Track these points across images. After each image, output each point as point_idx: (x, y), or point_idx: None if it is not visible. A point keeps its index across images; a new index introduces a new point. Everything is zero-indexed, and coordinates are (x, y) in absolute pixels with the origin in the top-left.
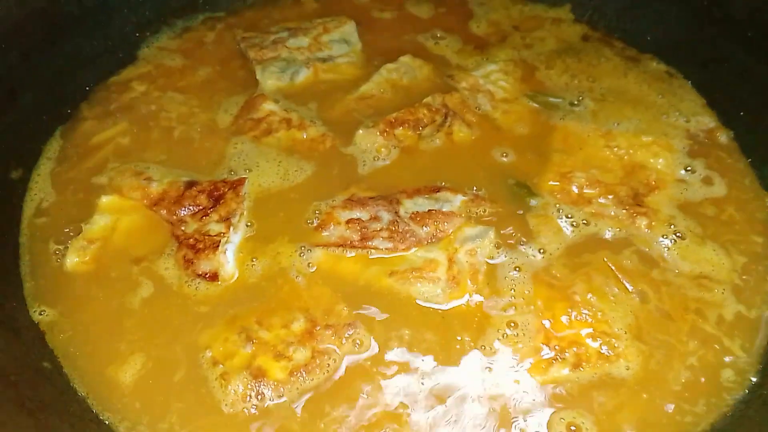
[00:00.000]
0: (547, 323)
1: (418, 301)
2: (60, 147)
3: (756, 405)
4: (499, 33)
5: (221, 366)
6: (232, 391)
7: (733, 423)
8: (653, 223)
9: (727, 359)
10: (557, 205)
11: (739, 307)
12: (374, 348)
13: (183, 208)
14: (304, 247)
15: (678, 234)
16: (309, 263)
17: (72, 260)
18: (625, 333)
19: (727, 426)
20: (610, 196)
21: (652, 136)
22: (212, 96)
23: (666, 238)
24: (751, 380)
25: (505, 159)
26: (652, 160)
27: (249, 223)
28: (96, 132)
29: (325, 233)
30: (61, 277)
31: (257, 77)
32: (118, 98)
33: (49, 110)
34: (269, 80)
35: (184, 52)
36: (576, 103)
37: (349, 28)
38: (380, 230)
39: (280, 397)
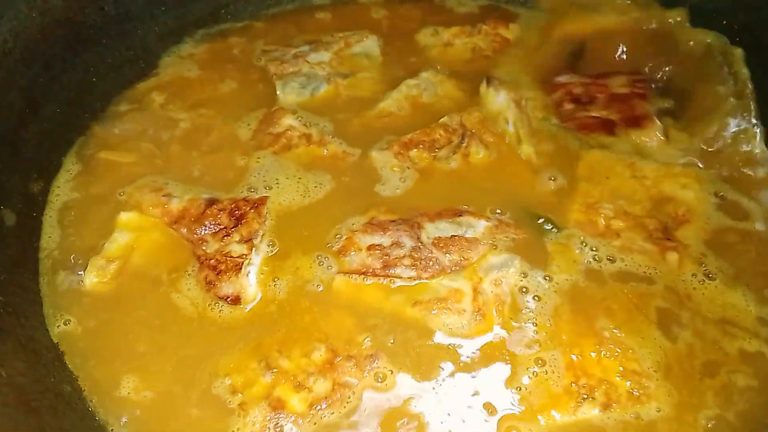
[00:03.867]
0: (575, 360)
1: (443, 334)
2: (80, 159)
3: None
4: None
5: (240, 395)
6: (251, 422)
7: None
8: (683, 260)
9: (754, 402)
10: (582, 238)
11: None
12: (397, 383)
13: (204, 227)
14: (321, 255)
15: (708, 273)
16: (329, 267)
17: (91, 280)
18: (655, 372)
19: None
20: (638, 229)
21: (679, 166)
22: (232, 108)
23: (695, 276)
24: None
25: (526, 185)
26: (680, 191)
27: (270, 243)
28: (115, 143)
29: (346, 258)
30: (81, 297)
31: (277, 92)
32: (138, 109)
33: (69, 121)
34: (289, 95)
35: (205, 63)
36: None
37: (371, 43)
38: (402, 257)
39: (299, 430)
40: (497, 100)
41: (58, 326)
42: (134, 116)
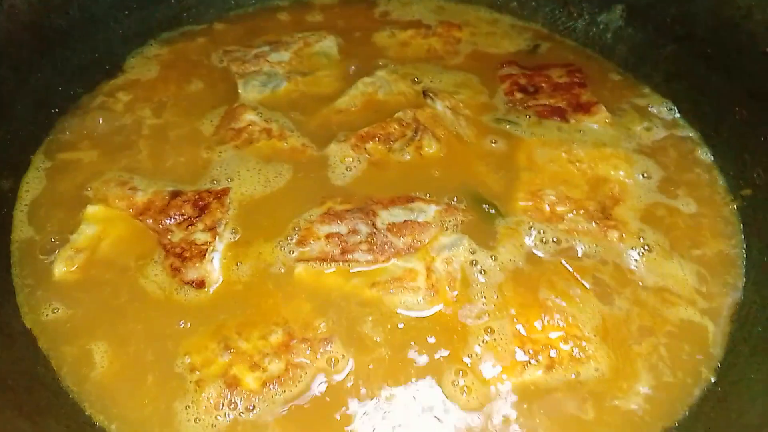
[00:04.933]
0: (521, 328)
1: (399, 311)
2: (48, 157)
3: (712, 403)
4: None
5: (198, 373)
6: (206, 397)
7: (690, 420)
8: (624, 236)
9: (685, 361)
10: (531, 223)
11: (696, 317)
12: (351, 363)
13: (169, 218)
14: (283, 241)
15: (646, 247)
16: (291, 252)
17: (60, 269)
18: (595, 336)
19: (687, 423)
20: (581, 211)
21: (610, 148)
22: (195, 106)
23: (635, 250)
24: (710, 380)
25: (474, 176)
26: (612, 172)
27: (233, 230)
28: (83, 141)
29: (306, 248)
30: (51, 286)
31: (239, 90)
32: (104, 108)
33: (37, 121)
34: (251, 92)
35: (169, 64)
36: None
37: (329, 43)
38: (359, 243)
39: (251, 407)
40: (436, 108)
41: (30, 313)
42: (101, 115)
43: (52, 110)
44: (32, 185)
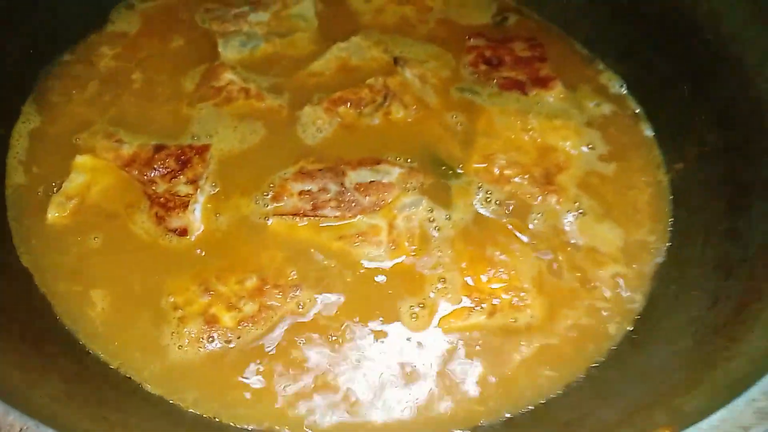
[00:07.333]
0: (470, 279)
1: (363, 262)
2: (37, 108)
3: (628, 347)
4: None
5: (181, 311)
6: (188, 331)
7: (609, 360)
8: (561, 200)
9: (607, 310)
10: (480, 184)
11: (620, 274)
12: (317, 305)
13: (153, 170)
14: (258, 196)
15: (581, 210)
16: (266, 205)
17: (53, 214)
18: (533, 287)
19: (606, 362)
20: (526, 176)
21: (561, 120)
22: (178, 63)
23: (571, 213)
24: (627, 328)
25: (436, 140)
26: (561, 143)
27: (213, 184)
28: (69, 94)
29: (280, 203)
30: (45, 229)
31: (219, 49)
32: (90, 61)
33: (25, 71)
34: (230, 52)
35: (152, 20)
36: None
37: (307, 5)
38: (329, 200)
39: (227, 341)
40: (406, 76)
41: (26, 254)
42: (87, 68)
43: (39, 61)
44: (23, 134)
